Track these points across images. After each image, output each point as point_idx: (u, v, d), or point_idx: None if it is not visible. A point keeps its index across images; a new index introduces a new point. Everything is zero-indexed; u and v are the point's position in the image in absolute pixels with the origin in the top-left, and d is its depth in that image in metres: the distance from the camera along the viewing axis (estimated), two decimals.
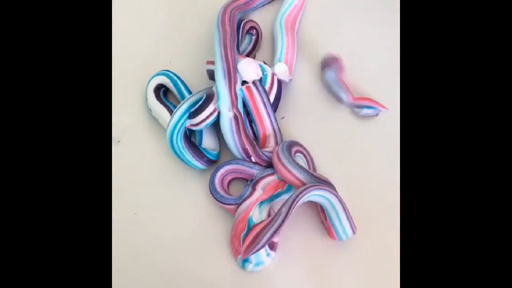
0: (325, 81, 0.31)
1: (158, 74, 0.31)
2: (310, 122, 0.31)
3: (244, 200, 0.27)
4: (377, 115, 0.30)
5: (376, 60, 0.32)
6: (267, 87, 0.29)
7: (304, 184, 0.26)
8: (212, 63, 0.29)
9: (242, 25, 0.31)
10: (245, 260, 0.27)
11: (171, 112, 0.29)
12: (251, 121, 0.29)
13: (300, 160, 0.28)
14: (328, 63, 0.30)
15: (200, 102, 0.28)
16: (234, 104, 0.28)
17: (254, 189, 0.27)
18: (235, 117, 0.28)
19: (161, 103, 0.30)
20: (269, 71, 0.30)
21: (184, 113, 0.28)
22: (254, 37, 0.32)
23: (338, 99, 0.31)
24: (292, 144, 0.29)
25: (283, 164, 0.27)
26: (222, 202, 0.28)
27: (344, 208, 0.26)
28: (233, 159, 0.29)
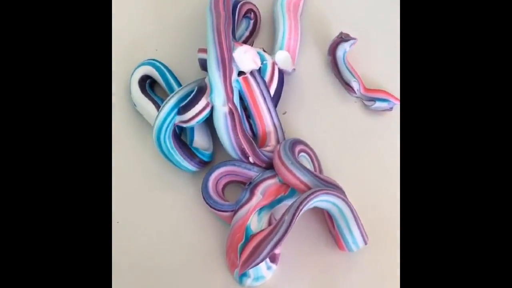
0: (335, 62, 0.30)
1: (143, 64, 0.30)
2: (315, 117, 0.30)
3: (241, 206, 0.27)
4: (391, 109, 0.30)
5: (380, 48, 0.32)
6: (266, 78, 0.29)
7: (309, 188, 0.26)
8: (205, 51, 0.28)
9: (238, 8, 0.31)
10: (243, 275, 0.26)
11: (158, 107, 0.29)
12: (248, 116, 0.29)
13: (305, 160, 0.28)
14: (342, 39, 0.30)
15: (191, 96, 0.27)
16: (229, 98, 0.27)
17: (252, 193, 0.27)
18: (231, 112, 0.27)
19: (146, 96, 0.30)
20: (269, 60, 0.29)
21: (173, 108, 0.27)
22: (252, 22, 0.32)
23: (349, 89, 0.30)
24: (296, 142, 0.28)
25: (285, 166, 0.26)
26: (216, 209, 0.27)
27: (355, 215, 0.26)
28: (229, 160, 0.28)
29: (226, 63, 0.27)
